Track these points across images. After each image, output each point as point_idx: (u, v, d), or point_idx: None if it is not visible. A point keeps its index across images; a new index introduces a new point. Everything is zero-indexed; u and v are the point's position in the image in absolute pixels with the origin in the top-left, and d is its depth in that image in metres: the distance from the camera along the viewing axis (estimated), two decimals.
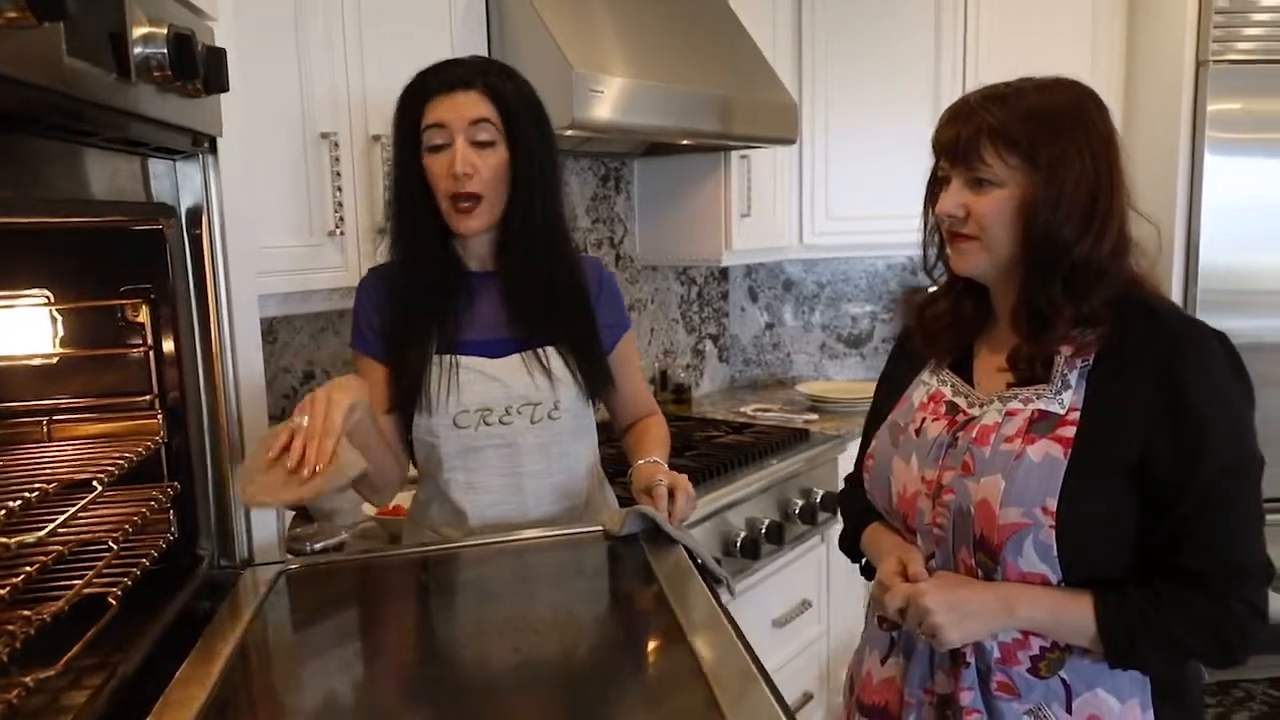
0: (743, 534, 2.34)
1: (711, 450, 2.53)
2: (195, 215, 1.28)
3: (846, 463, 2.84)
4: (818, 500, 2.61)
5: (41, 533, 0.89)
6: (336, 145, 1.79)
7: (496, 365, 1.45)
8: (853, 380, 3.55)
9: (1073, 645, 1.13)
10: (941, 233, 1.22)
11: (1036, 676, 1.15)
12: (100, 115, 0.94)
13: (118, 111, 0.96)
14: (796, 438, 2.70)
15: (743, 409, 3.11)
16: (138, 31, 0.98)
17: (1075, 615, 1.11)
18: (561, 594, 1.29)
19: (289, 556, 1.45)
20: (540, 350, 1.46)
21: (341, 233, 1.81)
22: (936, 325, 1.30)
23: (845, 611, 2.93)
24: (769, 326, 3.61)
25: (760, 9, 2.86)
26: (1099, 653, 1.11)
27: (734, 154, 2.84)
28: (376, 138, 1.87)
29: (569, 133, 2.20)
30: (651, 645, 1.09)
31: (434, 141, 1.38)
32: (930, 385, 1.29)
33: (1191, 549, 1.09)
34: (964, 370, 1.27)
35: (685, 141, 2.55)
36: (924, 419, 1.26)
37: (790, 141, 2.74)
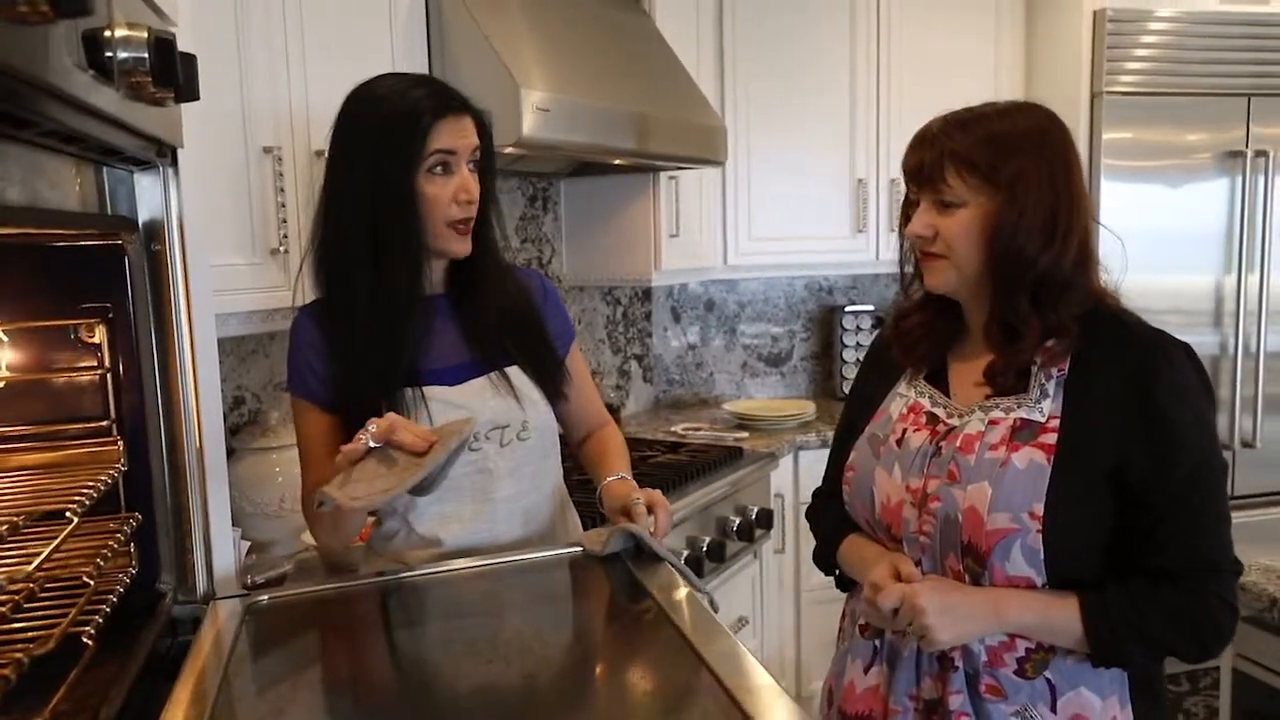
0: (685, 553, 2.34)
1: (649, 470, 2.52)
2: (155, 229, 1.21)
3: (779, 479, 2.88)
4: (753, 517, 2.64)
5: (30, 567, 0.82)
6: (280, 160, 1.73)
7: (461, 392, 1.41)
8: (774, 398, 3.61)
9: (1057, 647, 1.17)
10: (915, 252, 1.27)
11: (1022, 677, 1.18)
12: (78, 119, 0.89)
13: (96, 115, 0.90)
14: (730, 456, 2.72)
15: (672, 428, 3.12)
16: (118, 33, 0.93)
17: (1062, 618, 1.15)
18: (552, 615, 1.27)
19: (246, 590, 1.38)
20: (504, 371, 1.43)
21: (285, 250, 1.74)
22: (912, 337, 1.34)
23: (779, 626, 2.96)
24: (692, 346, 3.64)
25: (684, 33, 2.90)
26: (1084, 652, 1.16)
27: (663, 175, 2.86)
28: (320, 153, 1.81)
29: (507, 150, 2.18)
30: (662, 661, 1.07)
31: (438, 163, 1.34)
32: (908, 397, 1.33)
33: (1169, 549, 1.15)
34: (939, 382, 1.31)
35: (618, 162, 2.56)
36: (905, 430, 1.29)
37: (719, 163, 2.78)
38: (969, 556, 1.18)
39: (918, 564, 1.24)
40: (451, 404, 1.39)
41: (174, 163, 1.22)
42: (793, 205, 3.24)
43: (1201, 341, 3.37)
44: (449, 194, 1.34)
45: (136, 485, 1.20)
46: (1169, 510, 1.14)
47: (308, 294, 1.80)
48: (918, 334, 1.33)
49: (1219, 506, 1.17)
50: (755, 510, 2.66)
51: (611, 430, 1.64)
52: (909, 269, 1.31)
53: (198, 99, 1.12)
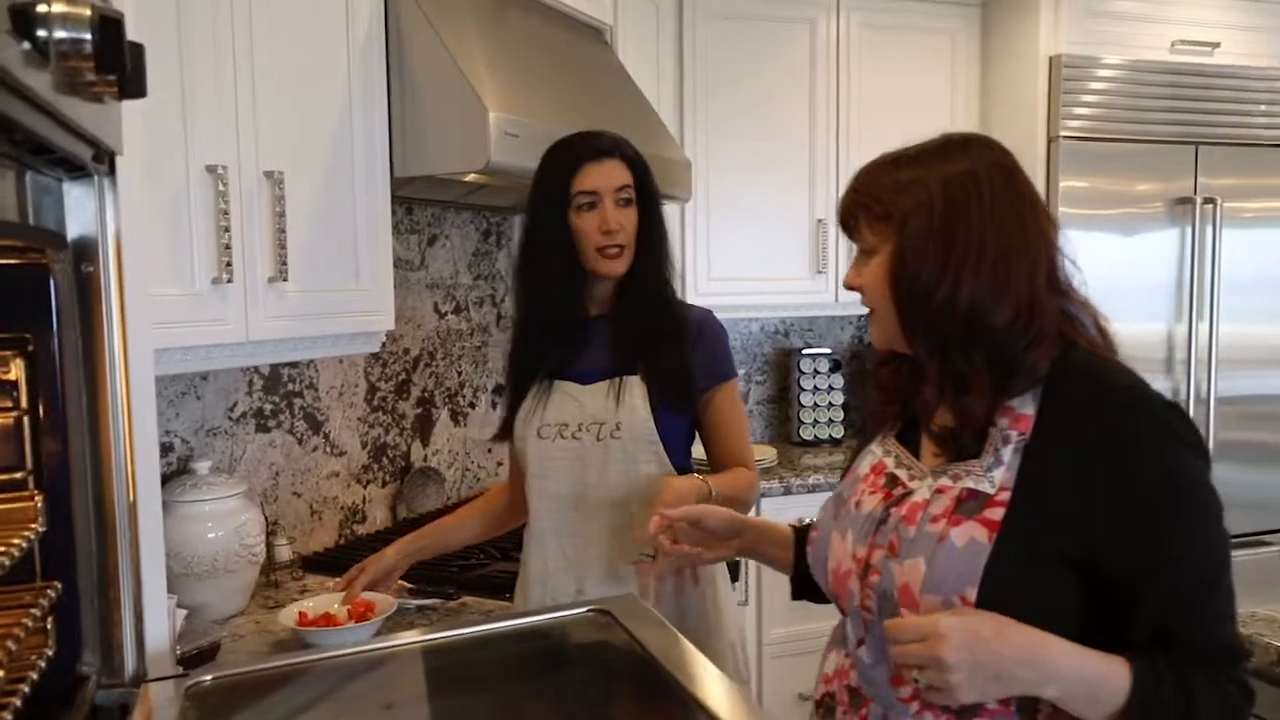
0: None
1: None
2: (86, 248, 1.04)
3: None
4: None
5: None
6: (225, 181, 1.56)
7: (582, 389, 1.65)
8: None
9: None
10: None
11: None
12: (3, 98, 0.72)
13: (26, 98, 0.74)
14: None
15: None
16: (56, 7, 0.77)
17: (1113, 683, 0.98)
18: (539, 689, 1.11)
19: (182, 669, 1.19)
20: (622, 379, 1.63)
21: (229, 280, 1.57)
22: (881, 393, 1.23)
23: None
24: None
25: (644, 68, 2.82)
26: None
27: None
28: (270, 174, 1.64)
29: (470, 177, 2.05)
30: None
31: (584, 203, 1.61)
32: (875, 455, 1.21)
33: (1184, 638, 1.00)
34: (911, 441, 1.19)
35: None
36: (863, 491, 1.17)
37: (683, 199, 2.68)
38: None
39: (861, 642, 1.11)
40: (570, 396, 1.65)
41: (112, 171, 1.05)
42: (752, 245, 3.16)
43: (1154, 388, 3.36)
44: (593, 225, 1.60)
45: (56, 549, 1.01)
46: (1170, 600, 0.98)
47: (260, 327, 1.64)
48: (886, 388, 1.22)
49: (1226, 584, 1.02)
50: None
51: (743, 471, 1.70)
52: None
53: (144, 95, 0.96)
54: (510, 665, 1.15)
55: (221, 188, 1.55)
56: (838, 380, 3.49)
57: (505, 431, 1.74)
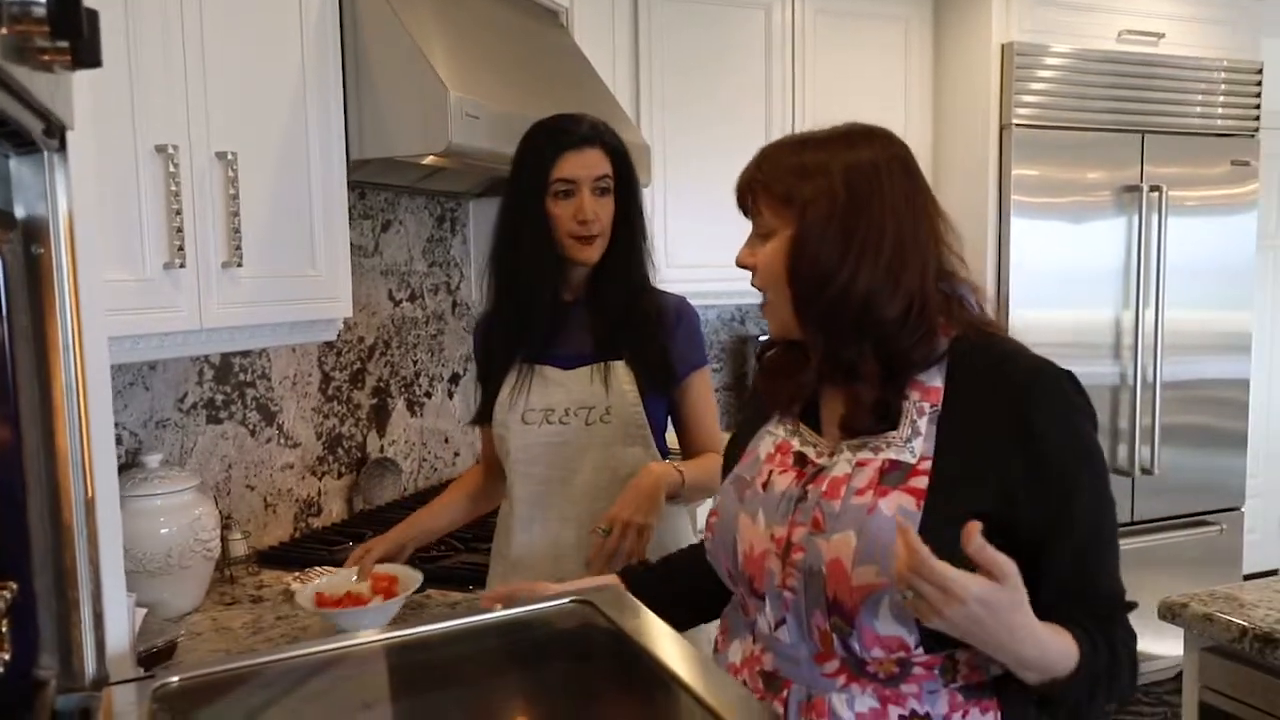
0: None
1: None
2: (37, 229, 0.98)
3: (702, 516, 2.74)
4: None
5: None
6: (175, 161, 1.49)
7: (566, 374, 1.65)
8: None
9: (932, 713, 1.04)
10: None
11: None
12: None
13: None
14: None
15: None
16: None
17: (1067, 662, 1.00)
18: (516, 684, 1.08)
19: (146, 671, 1.13)
20: (609, 364, 1.63)
21: (182, 265, 1.50)
22: (774, 374, 1.22)
23: None
24: None
25: (600, 53, 2.78)
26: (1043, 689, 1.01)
27: None
28: (222, 154, 1.58)
29: (426, 160, 2.00)
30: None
31: (561, 190, 1.59)
32: (776, 435, 1.20)
33: (1093, 591, 1.06)
34: (812, 419, 1.19)
35: None
36: (771, 471, 1.16)
37: (644, 184, 2.65)
38: (836, 614, 1.04)
39: (781, 623, 1.10)
40: (554, 381, 1.64)
41: (63, 147, 0.99)
42: (709, 232, 3.12)
43: (1102, 373, 3.44)
44: (569, 213, 1.59)
45: (10, 547, 0.95)
46: (1081, 554, 1.04)
47: (214, 314, 1.58)
48: (779, 369, 1.21)
49: (1116, 537, 1.08)
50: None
51: (714, 456, 1.65)
52: None
53: (99, 65, 0.90)
54: (493, 658, 1.12)
55: (172, 168, 1.48)
56: None
57: (485, 415, 1.71)
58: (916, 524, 1.01)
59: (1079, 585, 1.05)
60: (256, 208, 1.66)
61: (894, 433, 1.07)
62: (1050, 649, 0.99)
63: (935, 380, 1.08)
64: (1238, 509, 3.68)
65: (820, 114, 3.16)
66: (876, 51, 3.33)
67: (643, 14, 3.04)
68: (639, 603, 1.17)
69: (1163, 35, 3.43)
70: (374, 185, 2.42)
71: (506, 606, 1.19)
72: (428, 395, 2.73)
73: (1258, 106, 3.59)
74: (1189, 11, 3.48)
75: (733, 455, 1.29)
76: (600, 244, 1.63)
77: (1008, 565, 0.93)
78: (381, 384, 2.56)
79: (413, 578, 1.61)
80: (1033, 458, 1.03)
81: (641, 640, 1.05)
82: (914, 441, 1.06)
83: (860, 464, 1.07)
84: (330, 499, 2.40)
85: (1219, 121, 3.53)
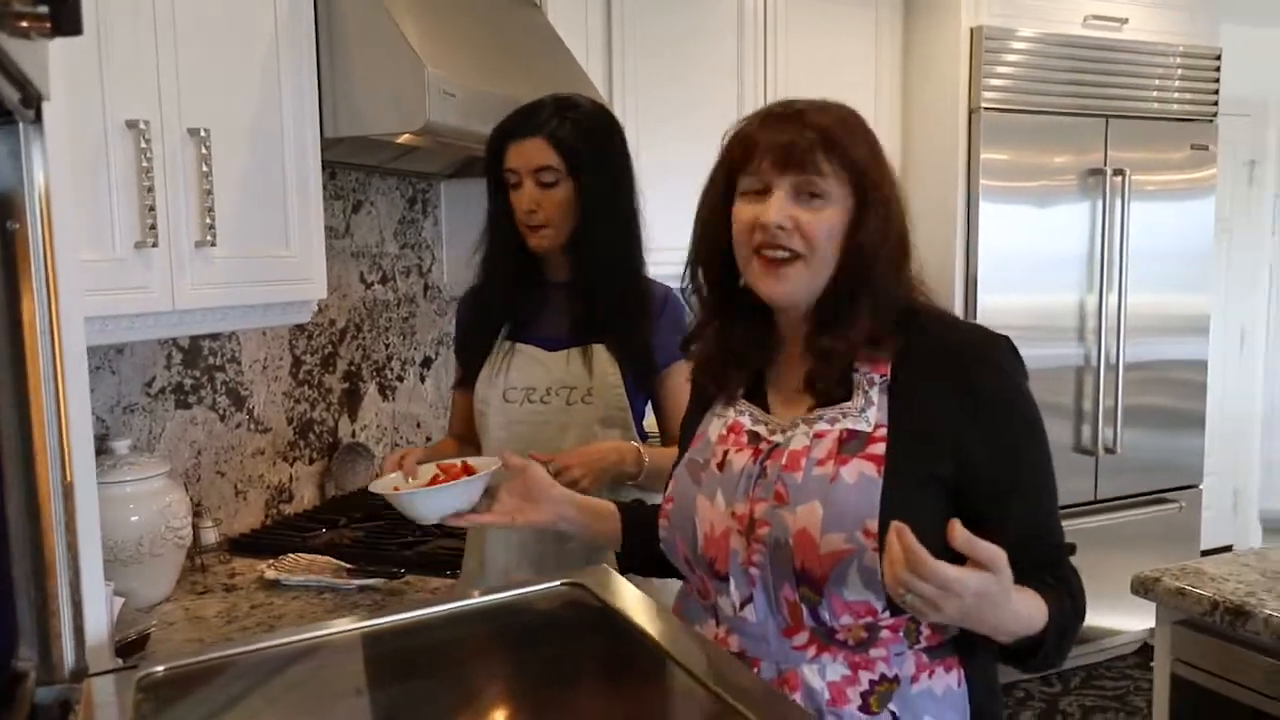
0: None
1: None
2: (11, 203, 0.94)
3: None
4: None
5: None
6: (147, 137, 1.44)
7: (548, 355, 1.66)
8: None
9: (900, 675, 1.07)
10: (737, 253, 1.12)
11: (867, 713, 1.07)
12: None
13: None
14: None
15: None
16: None
17: (1038, 621, 1.03)
18: (513, 669, 1.06)
19: (125, 661, 1.10)
20: (588, 347, 1.64)
21: (154, 244, 1.46)
22: (714, 361, 1.20)
23: None
24: None
25: (574, 35, 2.74)
26: (1007, 646, 1.04)
27: None
28: (194, 131, 1.53)
29: (402, 139, 1.97)
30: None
31: (511, 181, 1.61)
32: (727, 417, 1.19)
33: (1043, 540, 1.10)
34: (757, 399, 1.19)
35: None
36: (726, 452, 1.16)
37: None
38: (804, 584, 1.05)
39: (748, 600, 1.10)
40: (536, 360, 1.66)
41: (39, 118, 0.95)
42: (684, 214, 3.11)
43: (1067, 355, 3.49)
44: (518, 203, 1.61)
45: None
46: (1030, 505, 1.09)
47: (187, 295, 1.54)
48: (717, 356, 1.19)
49: (1055, 486, 1.13)
50: None
51: None
52: (703, 280, 1.18)
53: (80, 32, 0.87)
54: (487, 642, 1.11)
55: (143, 144, 1.44)
56: None
57: (469, 380, 1.72)
58: (878, 489, 1.03)
59: (1033, 535, 1.09)
60: (229, 186, 1.62)
61: (848, 403, 1.09)
62: (1028, 616, 1.02)
63: (880, 351, 1.10)
64: (1196, 486, 3.76)
65: (794, 95, 3.19)
66: (847, 35, 3.33)
67: None
68: (628, 583, 1.17)
69: (1126, 21, 3.47)
70: (345, 165, 2.38)
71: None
72: (400, 379, 2.70)
73: (1216, 92, 3.64)
74: None
75: (682, 442, 1.29)
76: (551, 234, 1.61)
77: (998, 555, 0.93)
78: (353, 368, 2.52)
79: (486, 460, 1.41)
80: (978, 418, 1.06)
81: (635, 619, 1.05)
82: (868, 411, 1.08)
83: (818, 435, 1.09)
84: (302, 485, 2.36)
85: (1176, 106, 3.57)
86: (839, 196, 1.07)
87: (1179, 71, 3.55)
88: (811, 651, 1.09)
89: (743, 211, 1.10)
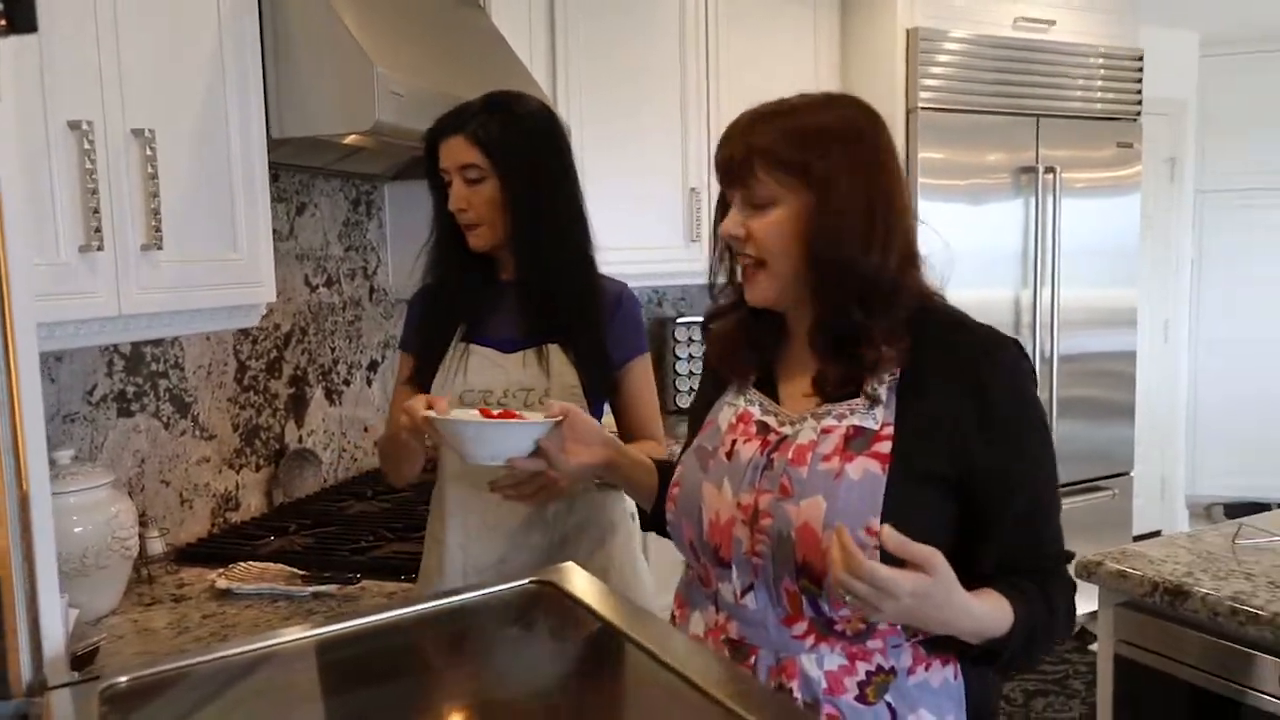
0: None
1: None
2: None
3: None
4: None
5: None
6: (90, 138, 1.41)
7: (504, 357, 1.64)
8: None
9: (897, 667, 1.10)
10: (729, 258, 1.19)
11: (863, 703, 1.09)
12: None
13: None
14: None
15: None
16: None
17: (1000, 625, 1.06)
18: (489, 671, 1.06)
19: (84, 674, 1.08)
20: (543, 347, 1.63)
21: (99, 248, 1.42)
22: (728, 344, 1.24)
23: None
24: None
25: (518, 36, 2.73)
26: (981, 647, 1.07)
27: None
28: (139, 131, 1.50)
29: (348, 140, 1.95)
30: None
31: (446, 180, 1.62)
32: (737, 405, 1.22)
33: (1041, 547, 1.12)
34: (769, 389, 1.22)
35: None
36: (734, 441, 1.18)
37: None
38: (805, 577, 1.08)
39: (749, 589, 1.13)
40: (492, 362, 1.64)
41: None
42: (626, 215, 3.13)
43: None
44: (452, 203, 1.60)
45: None
46: (1030, 508, 1.10)
47: (134, 299, 1.51)
48: (734, 340, 1.23)
49: (1059, 495, 1.16)
50: None
51: (652, 444, 1.68)
52: (720, 278, 1.22)
53: (35, 30, 0.85)
54: (459, 643, 1.10)
55: (87, 145, 1.40)
56: None
57: (419, 375, 1.67)
58: (882, 487, 1.04)
59: (1030, 541, 1.11)
60: (175, 187, 1.59)
61: (856, 400, 1.10)
62: (984, 618, 1.04)
63: (889, 351, 1.10)
64: (1128, 474, 3.89)
65: (735, 98, 3.22)
66: (787, 34, 3.37)
67: None
68: (596, 580, 1.17)
69: (1054, 23, 3.57)
70: (288, 166, 2.34)
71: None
72: (346, 383, 2.66)
73: (1139, 92, 3.78)
74: (1078, 0, 3.64)
75: (692, 427, 1.30)
76: (485, 232, 1.61)
77: (933, 556, 0.97)
78: (299, 372, 2.48)
79: (528, 412, 1.38)
80: (986, 421, 1.07)
81: (606, 616, 1.05)
82: (876, 409, 1.09)
83: (825, 431, 1.10)
84: (249, 492, 2.32)
85: (1101, 105, 3.69)
86: (789, 199, 1.09)
87: (1102, 72, 3.67)
88: (810, 641, 1.10)
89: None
